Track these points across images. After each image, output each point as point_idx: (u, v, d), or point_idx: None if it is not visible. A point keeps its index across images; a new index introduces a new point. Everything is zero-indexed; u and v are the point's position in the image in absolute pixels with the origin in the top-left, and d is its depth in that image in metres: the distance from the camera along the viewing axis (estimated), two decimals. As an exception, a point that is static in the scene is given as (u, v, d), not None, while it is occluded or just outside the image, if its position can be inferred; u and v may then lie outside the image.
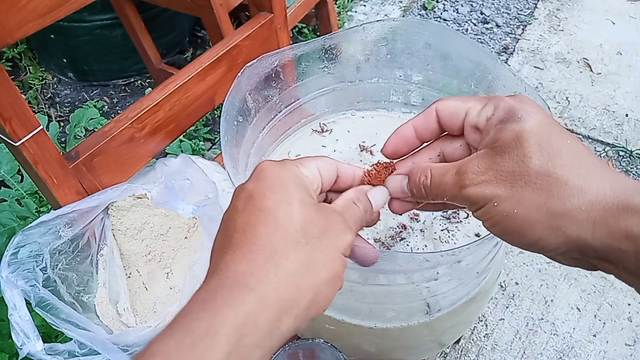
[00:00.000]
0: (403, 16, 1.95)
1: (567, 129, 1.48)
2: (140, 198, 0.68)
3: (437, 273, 0.56)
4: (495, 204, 0.29)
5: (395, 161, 0.39)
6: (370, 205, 0.36)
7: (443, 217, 0.64)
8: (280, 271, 0.28)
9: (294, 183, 0.31)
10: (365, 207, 0.35)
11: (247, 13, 1.70)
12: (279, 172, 0.31)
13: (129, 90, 1.76)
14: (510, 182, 0.29)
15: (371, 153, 0.73)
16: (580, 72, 1.67)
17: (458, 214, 0.65)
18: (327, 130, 0.77)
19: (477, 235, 0.63)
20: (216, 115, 1.63)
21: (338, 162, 0.37)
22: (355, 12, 2.01)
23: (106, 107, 1.70)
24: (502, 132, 0.30)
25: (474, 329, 1.06)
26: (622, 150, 1.42)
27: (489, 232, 0.33)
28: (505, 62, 1.73)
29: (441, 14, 1.98)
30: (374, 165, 0.39)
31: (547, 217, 0.28)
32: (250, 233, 0.29)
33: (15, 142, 0.51)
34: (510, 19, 1.93)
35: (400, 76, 0.73)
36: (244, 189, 0.32)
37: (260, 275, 0.28)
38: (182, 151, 1.34)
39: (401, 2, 2.03)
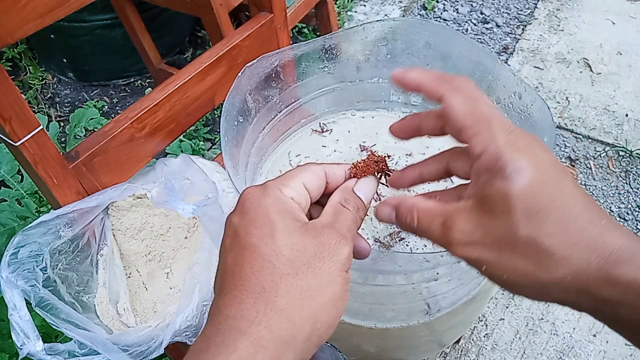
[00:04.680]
0: (403, 16, 1.95)
1: (566, 129, 1.49)
2: (140, 198, 0.68)
3: (437, 273, 0.56)
4: (484, 268, 0.30)
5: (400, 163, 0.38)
6: (360, 202, 0.35)
7: (443, 217, 0.64)
8: (270, 309, 0.27)
9: (276, 211, 0.30)
10: (356, 205, 0.34)
11: (247, 13, 1.70)
12: (260, 201, 0.31)
13: (129, 90, 1.76)
14: (497, 248, 0.29)
15: (372, 153, 0.73)
16: (580, 72, 1.67)
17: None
18: (327, 130, 0.77)
19: (477, 235, 0.63)
20: (216, 115, 1.63)
21: (326, 166, 0.35)
22: (355, 12, 2.01)
23: (106, 107, 1.70)
24: (490, 189, 0.29)
25: (474, 329, 1.06)
26: (622, 150, 1.42)
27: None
28: (505, 62, 1.73)
29: (441, 14, 1.98)
30: (365, 159, 0.37)
31: (535, 283, 0.29)
32: (239, 274, 0.29)
33: (15, 142, 0.51)
34: (510, 19, 1.93)
35: (400, 76, 0.73)
36: (230, 223, 0.31)
37: (250, 317, 0.27)
38: (182, 151, 1.34)
39: (401, 2, 2.03)
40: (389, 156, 0.38)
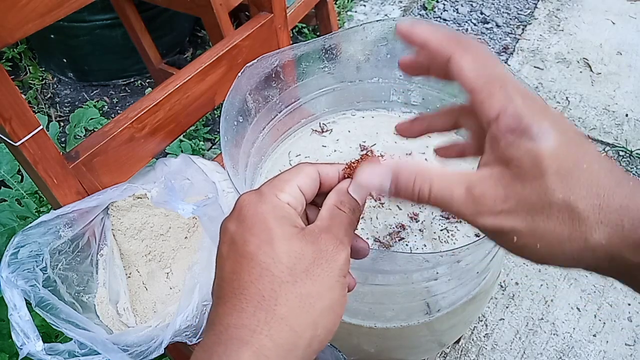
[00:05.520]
0: (403, 16, 1.95)
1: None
2: (140, 198, 0.68)
3: (437, 273, 0.56)
4: (516, 239, 0.28)
5: (387, 155, 0.38)
6: (355, 203, 0.33)
7: (442, 217, 0.64)
8: (271, 318, 0.27)
9: (274, 217, 0.30)
10: (351, 207, 0.33)
11: (247, 13, 1.70)
12: (257, 208, 0.30)
13: (129, 90, 1.76)
14: (531, 215, 0.27)
15: (372, 153, 0.73)
16: (580, 72, 1.67)
17: (458, 214, 0.65)
18: (327, 130, 0.77)
19: (477, 235, 0.63)
20: (216, 115, 1.63)
21: (319, 166, 0.34)
22: (355, 12, 2.01)
23: (106, 107, 1.70)
24: (516, 150, 0.27)
25: (474, 329, 1.06)
26: (622, 150, 1.42)
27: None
28: (505, 62, 1.73)
29: (441, 14, 1.98)
30: (358, 159, 0.36)
31: (570, 250, 0.27)
32: (237, 282, 0.28)
33: (15, 142, 0.51)
34: (510, 19, 1.93)
35: (400, 76, 0.74)
36: (226, 230, 0.31)
37: (251, 326, 0.27)
38: (182, 151, 1.34)
39: (401, 2, 2.03)
40: (382, 156, 0.38)
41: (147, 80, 1.77)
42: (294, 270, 0.29)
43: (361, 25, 0.65)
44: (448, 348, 1.04)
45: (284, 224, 0.30)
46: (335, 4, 1.93)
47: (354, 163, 0.36)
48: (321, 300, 0.29)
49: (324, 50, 0.68)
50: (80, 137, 1.18)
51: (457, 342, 1.04)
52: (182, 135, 1.08)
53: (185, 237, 0.70)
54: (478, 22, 1.93)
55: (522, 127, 0.27)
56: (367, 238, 0.62)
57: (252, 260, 0.29)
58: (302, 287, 0.28)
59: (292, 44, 0.75)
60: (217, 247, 0.31)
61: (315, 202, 0.35)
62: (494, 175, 0.28)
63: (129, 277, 0.68)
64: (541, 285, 1.13)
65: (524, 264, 1.16)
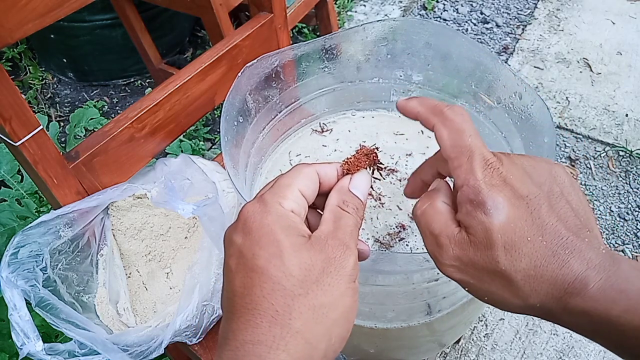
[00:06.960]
0: (403, 16, 1.95)
1: (566, 129, 1.49)
2: (140, 198, 0.68)
3: (438, 274, 0.56)
4: (467, 288, 0.33)
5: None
6: (358, 201, 0.34)
7: (443, 217, 0.64)
8: (286, 332, 0.28)
9: (280, 228, 0.30)
10: (355, 206, 0.34)
11: (247, 13, 1.71)
12: (262, 220, 0.30)
13: (129, 90, 1.76)
14: (479, 275, 0.31)
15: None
16: (580, 72, 1.67)
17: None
18: (327, 130, 0.77)
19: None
20: (216, 115, 1.63)
21: (317, 166, 0.35)
22: (355, 12, 2.01)
23: (106, 107, 1.70)
24: (472, 220, 0.31)
25: (474, 329, 1.06)
26: (622, 150, 1.42)
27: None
28: (505, 62, 1.73)
29: (441, 14, 1.98)
30: (355, 153, 0.36)
31: (513, 306, 0.31)
32: (249, 297, 0.29)
33: (15, 142, 0.51)
34: (510, 19, 1.93)
35: (401, 76, 0.73)
36: (232, 242, 0.31)
37: (268, 342, 0.27)
38: (182, 151, 1.34)
39: (401, 2, 2.03)
40: (377, 148, 0.38)
41: (147, 80, 1.77)
42: (305, 282, 0.29)
43: (361, 25, 0.65)
44: (448, 348, 1.04)
45: (291, 234, 0.30)
46: (335, 4, 1.93)
47: (350, 158, 0.36)
48: (334, 309, 0.29)
49: (324, 50, 0.68)
50: (80, 137, 1.18)
51: (457, 342, 1.04)
52: (182, 135, 1.08)
53: (185, 237, 0.70)
54: (478, 22, 1.93)
55: (479, 201, 0.30)
56: (367, 238, 0.62)
57: (263, 274, 0.29)
58: (315, 298, 0.29)
59: (292, 44, 0.75)
60: (224, 260, 0.31)
61: (314, 203, 0.35)
62: (456, 236, 0.32)
63: (129, 277, 0.68)
64: (541, 285, 1.13)
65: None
